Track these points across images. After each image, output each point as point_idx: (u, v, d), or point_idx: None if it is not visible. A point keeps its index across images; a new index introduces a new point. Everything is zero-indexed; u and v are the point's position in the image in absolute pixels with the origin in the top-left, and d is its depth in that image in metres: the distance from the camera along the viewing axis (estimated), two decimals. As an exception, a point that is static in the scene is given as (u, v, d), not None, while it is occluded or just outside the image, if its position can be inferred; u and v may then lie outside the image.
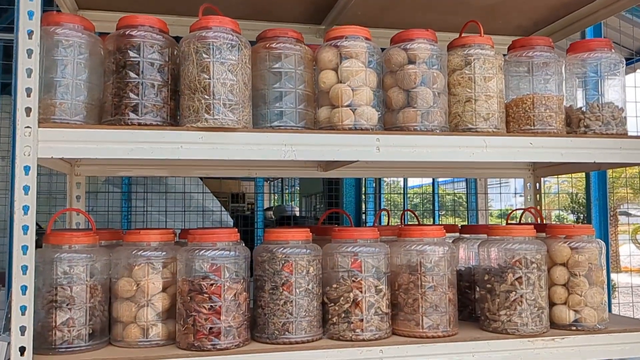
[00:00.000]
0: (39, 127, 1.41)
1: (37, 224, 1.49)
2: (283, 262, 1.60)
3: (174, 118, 1.58)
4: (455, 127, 1.74)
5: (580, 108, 1.87)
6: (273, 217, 8.40)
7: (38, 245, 1.48)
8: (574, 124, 1.85)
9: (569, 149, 1.74)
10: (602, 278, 1.78)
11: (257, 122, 1.63)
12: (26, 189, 1.38)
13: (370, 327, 1.63)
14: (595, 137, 1.78)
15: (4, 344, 1.47)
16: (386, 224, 2.32)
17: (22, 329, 1.36)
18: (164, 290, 1.59)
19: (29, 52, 1.41)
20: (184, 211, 4.62)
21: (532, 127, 1.77)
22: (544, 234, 1.86)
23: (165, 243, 1.64)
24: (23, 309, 1.36)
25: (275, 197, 12.07)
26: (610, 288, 2.78)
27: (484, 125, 1.73)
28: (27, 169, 1.39)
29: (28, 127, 1.40)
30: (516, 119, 1.79)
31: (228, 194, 8.92)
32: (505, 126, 1.79)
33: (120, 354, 1.48)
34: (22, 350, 1.36)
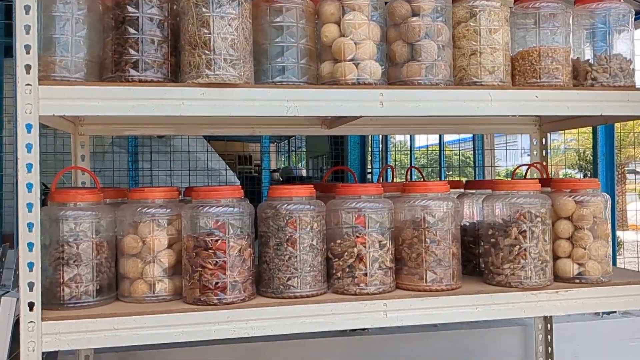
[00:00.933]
0: (39, 84, 1.40)
1: (43, 184, 1.50)
2: (287, 218, 1.60)
3: (175, 74, 1.57)
4: (460, 81, 1.72)
5: (588, 60, 1.84)
6: (280, 178, 8.43)
7: (44, 204, 1.49)
8: (581, 76, 1.82)
9: (575, 101, 1.72)
10: (607, 231, 1.78)
11: (259, 77, 1.62)
12: (29, 146, 1.38)
13: (374, 282, 1.64)
14: (602, 90, 1.75)
15: (14, 300, 1.50)
16: (391, 181, 2.32)
17: (30, 285, 1.38)
18: (169, 246, 1.61)
19: (27, 9, 1.39)
20: (190, 173, 4.63)
21: (538, 80, 1.74)
22: (549, 189, 1.85)
23: (170, 200, 1.64)
24: (30, 266, 1.38)
25: (282, 159, 12.07)
26: (615, 242, 2.78)
27: (489, 79, 1.70)
28: (29, 127, 1.38)
29: (28, 84, 1.39)
30: (522, 72, 1.76)
31: (234, 155, 8.93)
32: (511, 79, 1.76)
33: (128, 309, 1.50)
34: (30, 305, 1.38)
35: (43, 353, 1.41)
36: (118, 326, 1.44)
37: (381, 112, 1.60)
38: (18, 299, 1.41)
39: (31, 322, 1.38)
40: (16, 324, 1.52)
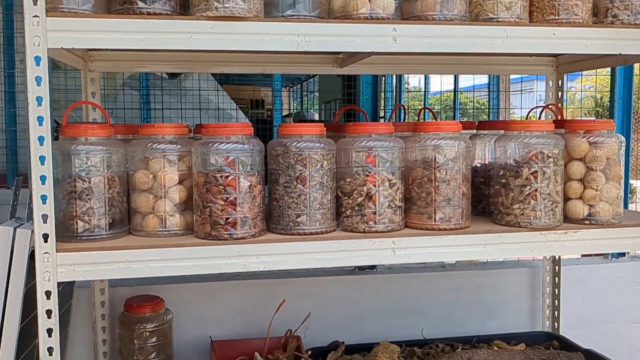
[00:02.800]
0: (46, 16, 1.38)
1: (55, 121, 1.50)
2: (297, 156, 1.60)
3: (184, 8, 1.54)
4: (475, 17, 1.67)
5: (610, -3, 1.78)
6: (292, 123, 8.39)
7: (56, 140, 1.50)
8: (601, 14, 1.77)
9: (594, 39, 1.67)
10: (620, 173, 1.76)
11: (269, 11, 1.58)
12: (38, 79, 1.38)
13: (383, 220, 1.65)
14: (622, 27, 1.70)
15: (28, 232, 1.53)
16: (403, 121, 2.29)
17: (44, 217, 1.40)
18: (180, 182, 1.62)
19: (32, -63, 1.36)
20: (202, 115, 4.61)
21: (557, 17, 1.69)
22: (563, 130, 1.82)
23: (180, 137, 1.64)
24: (44, 198, 1.40)
25: (294, 104, 11.99)
26: (628, 187, 2.76)
27: (506, 15, 1.66)
28: (37, 60, 1.38)
29: (36, 16, 1.37)
30: (540, 8, 1.71)
31: (247, 100, 8.88)
32: (529, 16, 1.71)
33: (141, 242, 1.53)
34: (45, 237, 1.41)
35: (59, 284, 1.44)
36: (131, 258, 1.47)
37: (394, 48, 1.57)
38: (32, 231, 1.43)
39: (46, 253, 1.41)
40: (31, 256, 1.56)
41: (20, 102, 4.02)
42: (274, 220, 1.64)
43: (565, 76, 2.36)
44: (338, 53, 2.11)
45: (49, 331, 1.42)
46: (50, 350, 1.42)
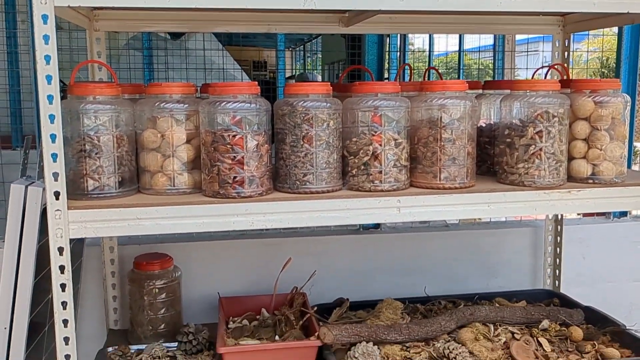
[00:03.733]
0: (52, -27, 1.38)
1: (61, 81, 1.50)
2: (303, 115, 1.61)
3: (190, -35, 1.53)
4: (483, -26, 1.66)
5: (619, -47, 1.75)
6: (295, 85, 8.33)
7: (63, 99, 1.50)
8: (610, -29, 1.75)
9: (603, -3, 1.66)
10: (624, 133, 1.77)
11: (276, -31, 1.57)
12: (46, 38, 1.38)
13: (388, 179, 1.67)
14: (631, -15, 1.68)
15: (40, 190, 1.55)
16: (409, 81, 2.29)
17: (55, 175, 1.42)
18: (188, 141, 1.64)
19: None
20: (205, 76, 4.59)
21: (565, -25, 1.67)
22: (568, 90, 1.82)
23: (187, 96, 1.65)
24: (54, 157, 1.42)
25: (297, 66, 11.89)
26: (632, 146, 2.77)
27: (514, -28, 1.64)
28: (45, 18, 1.37)
29: (42, -26, 1.37)
30: (549, -35, 1.69)
31: (250, 62, 8.81)
32: (537, -26, 1.69)
33: (150, 200, 1.56)
34: (56, 194, 1.43)
35: (70, 241, 1.47)
36: (141, 216, 1.50)
37: (400, 6, 1.56)
38: (44, 189, 1.46)
39: (58, 210, 1.43)
40: (43, 213, 1.58)
41: (23, 63, 4.01)
42: (280, 179, 1.66)
43: (571, 36, 2.34)
44: (344, 11, 2.09)
45: (63, 286, 1.46)
46: (64, 304, 1.46)
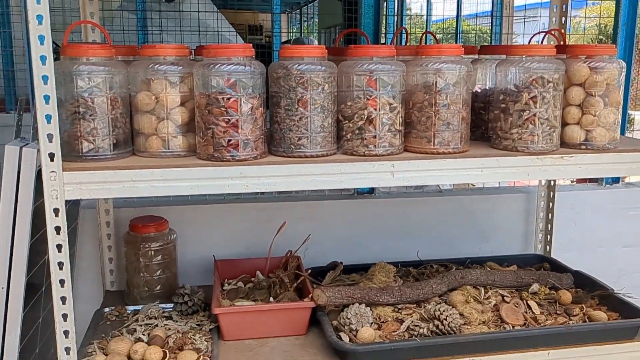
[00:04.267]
0: None
1: (54, 43, 1.49)
2: (298, 78, 1.60)
3: None
4: (481, -64, 1.64)
5: None
6: (291, 49, 8.24)
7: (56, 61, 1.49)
8: None
9: (601, -39, 1.64)
10: (618, 99, 1.77)
11: None
12: (38, -3, 1.36)
13: (383, 143, 1.68)
14: (631, -51, 1.67)
15: (34, 151, 1.55)
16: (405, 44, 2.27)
17: (50, 137, 1.42)
18: (182, 104, 1.63)
19: None
20: (200, 39, 4.54)
21: (565, -63, 1.65)
22: (564, 56, 1.82)
23: (181, 58, 1.64)
24: (48, 118, 1.41)
25: (293, 30, 11.75)
26: (627, 110, 2.77)
27: None
28: (36, -24, 1.35)
29: None
30: None
31: (245, 25, 8.70)
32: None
33: (145, 163, 1.56)
34: (51, 156, 1.43)
35: (66, 202, 1.48)
36: (136, 178, 1.50)
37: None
38: (38, 151, 1.46)
39: (53, 171, 1.44)
40: (38, 175, 1.59)
41: (16, 25, 3.95)
42: (275, 143, 1.67)
43: (570, 2, 2.33)
44: (340, -26, 2.07)
45: (59, 247, 1.47)
46: (60, 264, 1.48)
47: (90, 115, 1.54)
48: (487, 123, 1.91)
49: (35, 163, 1.56)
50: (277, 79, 1.63)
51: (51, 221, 1.46)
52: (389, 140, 1.68)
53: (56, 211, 1.45)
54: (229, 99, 1.55)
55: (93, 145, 1.56)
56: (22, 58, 3.86)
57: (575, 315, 1.96)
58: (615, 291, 2.07)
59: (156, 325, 1.91)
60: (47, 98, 1.40)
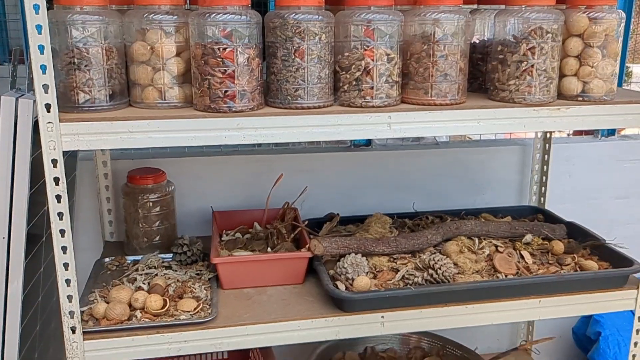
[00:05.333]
0: None
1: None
2: (295, 28, 1.59)
3: None
4: None
5: None
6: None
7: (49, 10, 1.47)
8: None
9: None
10: (617, 50, 1.76)
11: None
12: (28, -57, 1.33)
13: (380, 95, 1.67)
14: None
15: (30, 102, 1.55)
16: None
17: (45, 87, 1.41)
18: (177, 54, 1.62)
19: None
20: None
21: None
22: (564, 6, 1.80)
23: (176, 7, 1.62)
24: (43, 68, 1.40)
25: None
26: (625, 60, 2.76)
27: None
28: None
29: None
30: None
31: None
32: None
33: (142, 114, 1.56)
34: (47, 107, 1.43)
35: (64, 153, 1.48)
36: (133, 129, 1.51)
37: None
38: (34, 102, 1.45)
39: (49, 122, 1.44)
40: (35, 126, 1.59)
41: (6, -27, 3.87)
42: (272, 94, 1.66)
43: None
44: None
45: (58, 197, 1.49)
46: (60, 215, 1.49)
47: (86, 66, 1.53)
48: (485, 74, 1.91)
49: (32, 114, 1.56)
50: (274, 29, 1.61)
51: (49, 172, 1.47)
52: (386, 91, 1.68)
53: (54, 162, 1.46)
54: (225, 49, 1.54)
55: (89, 96, 1.55)
56: (14, 8, 3.80)
57: (567, 265, 2.00)
58: (606, 241, 2.11)
59: (156, 275, 1.94)
60: (41, 48, 1.39)
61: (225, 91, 1.56)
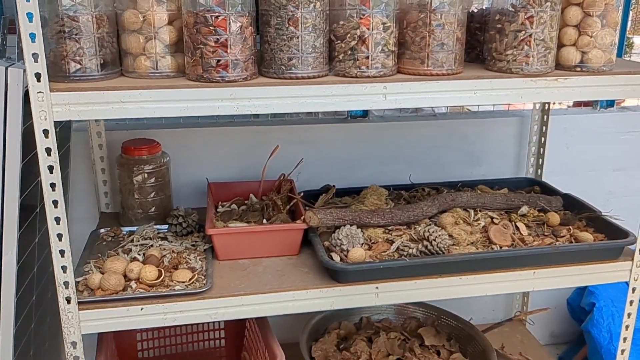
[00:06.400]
0: None
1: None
2: (289, -5, 1.56)
3: None
4: None
5: None
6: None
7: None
8: None
9: None
10: (617, 19, 1.73)
11: None
12: None
13: (375, 65, 1.65)
14: None
15: (20, 71, 1.52)
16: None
17: (35, 56, 1.39)
18: (169, 23, 1.59)
19: None
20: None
21: None
22: (564, -27, 1.77)
23: (168, -26, 1.58)
24: (32, 36, 1.38)
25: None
26: (625, 31, 2.72)
27: None
28: None
29: None
30: None
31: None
32: None
33: (133, 83, 1.53)
34: (37, 76, 1.41)
35: (56, 124, 1.47)
36: (125, 99, 1.49)
37: None
38: (24, 71, 1.43)
39: (40, 92, 1.42)
40: (25, 97, 1.57)
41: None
42: (265, 63, 1.64)
43: None
44: None
45: (50, 168, 1.48)
46: (52, 186, 1.49)
47: (76, 35, 1.51)
48: (483, 44, 1.88)
49: (22, 84, 1.54)
50: (267, -3, 1.58)
51: (41, 143, 1.45)
52: (382, 61, 1.65)
53: (46, 132, 1.45)
54: (217, 17, 1.51)
55: (80, 65, 1.53)
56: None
57: (562, 237, 2.00)
58: (602, 213, 2.11)
59: (151, 246, 1.95)
60: (30, 16, 1.36)
61: (218, 60, 1.54)
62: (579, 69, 1.75)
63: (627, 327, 2.03)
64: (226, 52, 1.54)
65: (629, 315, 2.02)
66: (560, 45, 1.76)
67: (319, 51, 1.63)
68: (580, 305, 2.66)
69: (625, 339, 2.05)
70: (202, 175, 2.32)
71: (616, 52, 1.81)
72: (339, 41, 1.65)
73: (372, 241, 1.92)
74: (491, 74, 1.72)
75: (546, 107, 2.49)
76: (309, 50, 1.60)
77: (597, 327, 2.48)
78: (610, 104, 2.76)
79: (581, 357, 2.68)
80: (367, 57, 1.64)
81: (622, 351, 2.07)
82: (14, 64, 1.56)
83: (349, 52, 1.64)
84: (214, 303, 1.70)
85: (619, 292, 2.52)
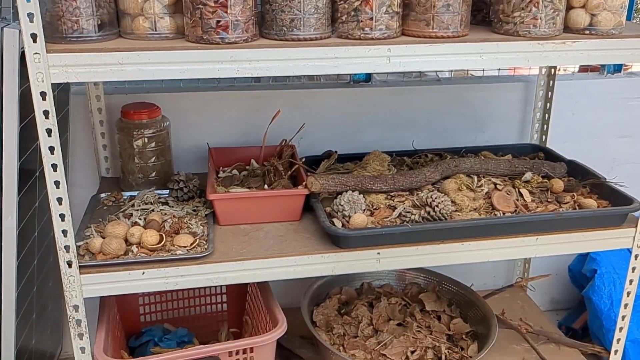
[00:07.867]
0: None
1: None
2: (291, -46, 1.51)
3: None
4: None
5: None
6: None
7: None
8: None
9: None
10: (628, -19, 1.68)
11: None
12: None
13: (379, 26, 1.61)
14: None
15: (16, 31, 1.49)
16: None
17: (30, 16, 1.35)
18: (168, -18, 1.55)
19: None
20: None
21: None
22: None
23: None
24: (27, -4, 1.34)
25: None
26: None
27: None
28: None
29: None
30: None
31: None
32: None
33: (132, 45, 1.50)
34: (33, 37, 1.37)
35: (54, 87, 1.44)
36: (123, 61, 1.46)
37: None
38: (20, 32, 1.40)
39: (36, 53, 1.39)
40: (22, 58, 1.54)
41: None
42: (266, 25, 1.60)
43: None
44: None
45: (48, 131, 1.45)
46: (51, 149, 1.47)
47: (72, -7, 1.47)
48: (489, 6, 1.83)
49: (18, 44, 1.51)
50: (268, -44, 1.54)
51: (39, 105, 1.43)
52: (386, 22, 1.61)
53: (43, 95, 1.42)
54: (217, -24, 1.47)
55: (77, 26, 1.49)
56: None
57: (566, 203, 1.98)
58: (606, 180, 2.09)
59: (152, 210, 1.94)
60: (24, -23, 1.32)
61: (218, 21, 1.50)
62: (587, 32, 1.71)
63: (628, 293, 2.03)
64: (226, 12, 1.50)
65: (630, 281, 2.02)
66: (569, 7, 1.71)
67: (322, 12, 1.58)
68: (581, 271, 2.66)
69: (626, 305, 2.05)
70: (203, 140, 2.30)
71: (626, 15, 1.76)
72: (342, 2, 1.61)
73: (374, 207, 1.91)
74: (497, 37, 1.68)
75: (552, 72, 2.45)
76: (311, 10, 1.56)
77: (598, 293, 2.48)
78: (618, 69, 2.71)
79: (581, 323, 2.69)
80: (371, 19, 1.60)
81: (623, 317, 2.07)
82: (9, 24, 1.53)
83: (352, 13, 1.60)
84: (216, 268, 1.70)
85: (620, 258, 2.52)
